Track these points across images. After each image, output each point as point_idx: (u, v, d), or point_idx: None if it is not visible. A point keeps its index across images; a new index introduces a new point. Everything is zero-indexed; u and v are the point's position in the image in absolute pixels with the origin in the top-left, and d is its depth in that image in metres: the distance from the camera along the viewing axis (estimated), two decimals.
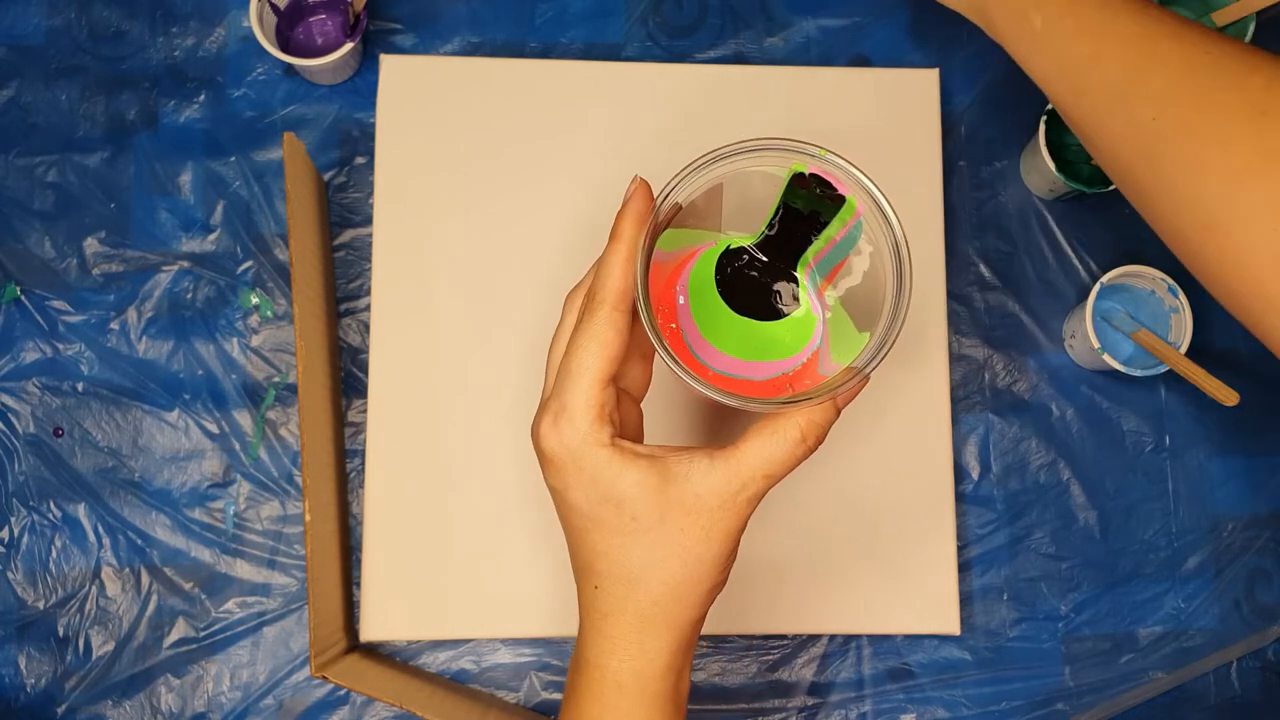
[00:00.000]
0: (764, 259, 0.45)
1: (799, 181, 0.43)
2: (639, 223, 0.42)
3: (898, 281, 0.41)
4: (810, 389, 0.42)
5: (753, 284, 0.44)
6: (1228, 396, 0.59)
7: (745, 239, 0.45)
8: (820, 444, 0.42)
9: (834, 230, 0.43)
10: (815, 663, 0.63)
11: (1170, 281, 0.62)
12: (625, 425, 0.44)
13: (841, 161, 0.42)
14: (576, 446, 0.41)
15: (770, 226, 0.44)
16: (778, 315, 0.44)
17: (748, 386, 0.44)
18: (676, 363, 0.40)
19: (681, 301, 0.44)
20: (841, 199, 0.42)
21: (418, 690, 0.58)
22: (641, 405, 0.47)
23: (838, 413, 0.42)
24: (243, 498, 0.62)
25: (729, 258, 0.45)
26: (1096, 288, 0.62)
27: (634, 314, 0.42)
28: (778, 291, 0.44)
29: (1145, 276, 0.63)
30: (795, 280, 0.44)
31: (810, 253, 0.44)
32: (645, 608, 0.42)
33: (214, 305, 0.64)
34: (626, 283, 0.42)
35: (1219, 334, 0.66)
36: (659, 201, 0.42)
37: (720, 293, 0.44)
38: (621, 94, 0.64)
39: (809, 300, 0.44)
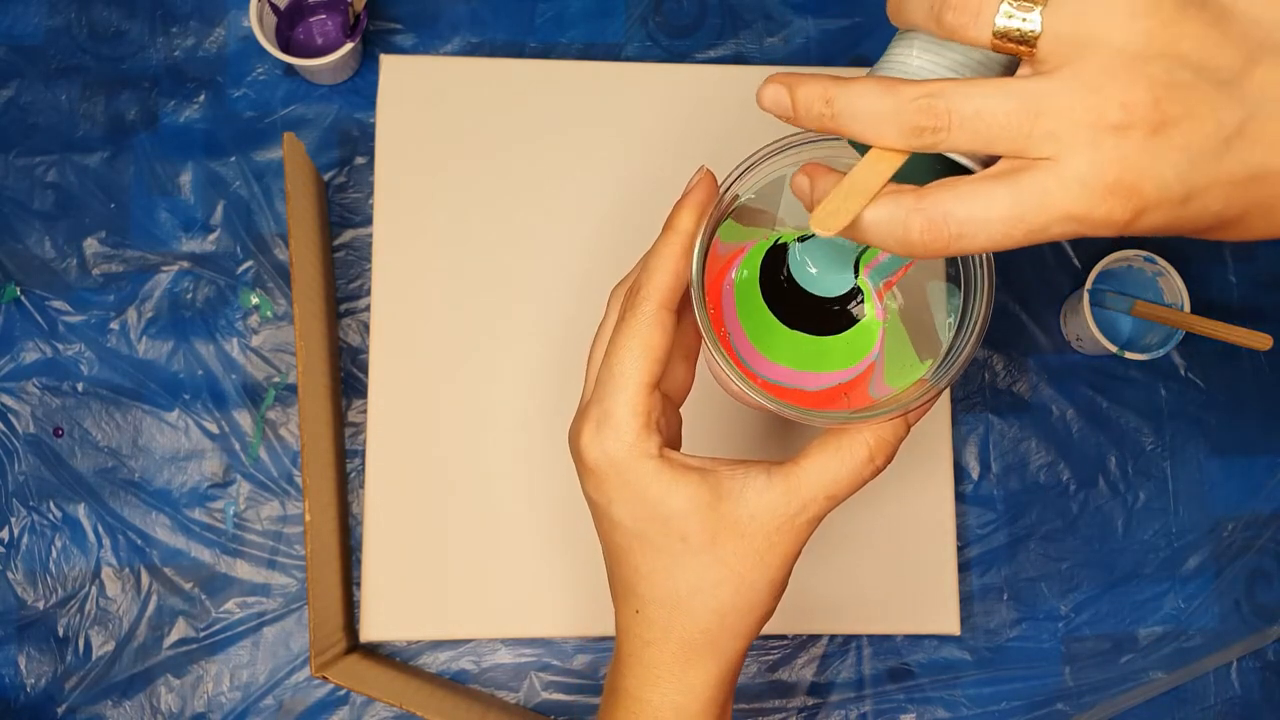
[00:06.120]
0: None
1: None
2: (699, 215, 0.37)
3: (979, 286, 0.36)
4: (878, 404, 0.37)
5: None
6: (1260, 341, 0.55)
7: (796, 235, 0.39)
8: (889, 464, 0.38)
9: None
10: (815, 663, 0.63)
11: (1145, 253, 0.62)
12: (666, 432, 0.39)
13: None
14: (622, 457, 0.37)
15: None
16: (834, 322, 0.39)
17: (800, 397, 0.39)
18: (734, 370, 0.35)
19: (727, 304, 0.40)
20: None
21: (418, 690, 0.58)
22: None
23: (908, 430, 0.38)
24: (243, 498, 0.62)
25: (778, 255, 0.39)
26: (1088, 283, 0.61)
27: (680, 312, 0.38)
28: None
29: (1121, 259, 0.62)
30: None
31: (871, 252, 0.39)
32: (690, 636, 0.39)
33: (214, 305, 0.64)
34: (678, 279, 0.37)
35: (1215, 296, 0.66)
36: (721, 193, 0.37)
37: (771, 295, 0.39)
38: (621, 94, 0.64)
39: (870, 304, 0.39)
